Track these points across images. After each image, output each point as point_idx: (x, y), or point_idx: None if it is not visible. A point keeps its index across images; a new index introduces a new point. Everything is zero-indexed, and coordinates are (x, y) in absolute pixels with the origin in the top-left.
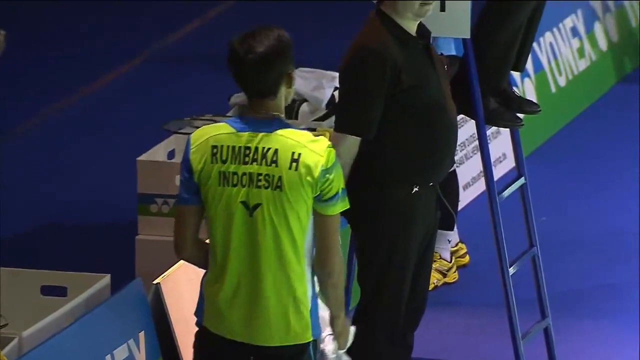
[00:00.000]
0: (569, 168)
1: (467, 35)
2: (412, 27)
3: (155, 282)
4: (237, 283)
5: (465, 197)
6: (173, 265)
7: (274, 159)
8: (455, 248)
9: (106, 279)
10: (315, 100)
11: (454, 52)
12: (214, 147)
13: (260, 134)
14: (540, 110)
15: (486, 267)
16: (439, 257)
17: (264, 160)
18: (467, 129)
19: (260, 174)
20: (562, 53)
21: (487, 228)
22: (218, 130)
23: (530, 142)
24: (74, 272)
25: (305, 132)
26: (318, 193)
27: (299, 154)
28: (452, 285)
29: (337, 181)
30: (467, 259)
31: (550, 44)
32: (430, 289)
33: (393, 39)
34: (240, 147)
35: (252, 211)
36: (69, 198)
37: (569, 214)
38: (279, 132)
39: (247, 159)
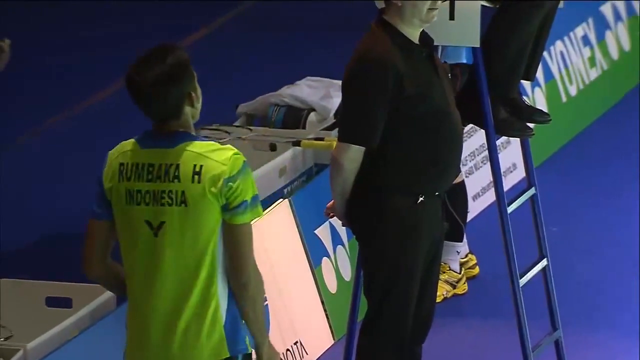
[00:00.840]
0: (580, 178)
1: (477, 44)
2: (415, 35)
3: None
4: (148, 306)
5: (475, 208)
6: None
7: (176, 174)
8: (465, 259)
9: None
10: (323, 109)
11: (463, 61)
12: (121, 164)
13: (163, 150)
14: (550, 120)
15: (496, 279)
16: (448, 269)
17: (166, 177)
18: (476, 138)
19: (163, 191)
20: (573, 62)
21: (497, 239)
22: (127, 147)
23: (541, 152)
24: (79, 283)
25: (211, 142)
26: (225, 202)
27: (201, 166)
28: (461, 297)
29: (245, 189)
30: (476, 270)
31: (561, 53)
32: (439, 300)
33: (396, 48)
34: (143, 164)
35: (157, 231)
36: (74, 208)
37: (580, 224)
38: (182, 145)
39: (150, 176)
